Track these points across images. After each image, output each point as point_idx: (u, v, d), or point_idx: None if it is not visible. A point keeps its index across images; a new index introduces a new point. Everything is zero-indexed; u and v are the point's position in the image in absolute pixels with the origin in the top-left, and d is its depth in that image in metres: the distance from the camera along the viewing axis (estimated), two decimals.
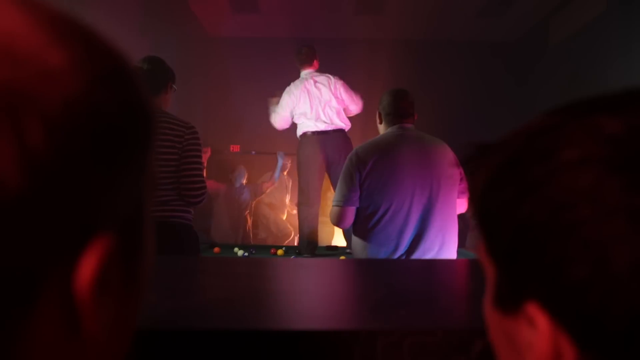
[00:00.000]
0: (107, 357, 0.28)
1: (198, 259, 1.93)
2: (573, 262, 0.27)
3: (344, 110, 3.56)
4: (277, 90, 3.74)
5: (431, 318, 0.68)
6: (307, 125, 3.53)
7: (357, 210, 2.02)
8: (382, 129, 2.18)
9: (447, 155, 2.04)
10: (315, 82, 3.54)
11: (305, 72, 3.65)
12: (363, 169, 1.98)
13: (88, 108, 0.25)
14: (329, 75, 3.57)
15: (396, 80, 3.33)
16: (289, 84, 3.65)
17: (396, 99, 2.12)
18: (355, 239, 2.08)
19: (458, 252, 2.21)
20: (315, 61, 3.66)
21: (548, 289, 0.28)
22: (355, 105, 3.56)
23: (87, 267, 0.25)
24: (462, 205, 2.11)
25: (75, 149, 0.24)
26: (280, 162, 4.90)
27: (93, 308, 0.25)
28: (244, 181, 4.86)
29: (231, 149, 6.07)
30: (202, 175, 2.09)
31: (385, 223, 1.96)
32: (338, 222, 2.06)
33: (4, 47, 0.23)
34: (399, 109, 2.10)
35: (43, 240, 0.23)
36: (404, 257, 1.95)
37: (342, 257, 3.00)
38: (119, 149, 0.26)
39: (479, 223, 0.34)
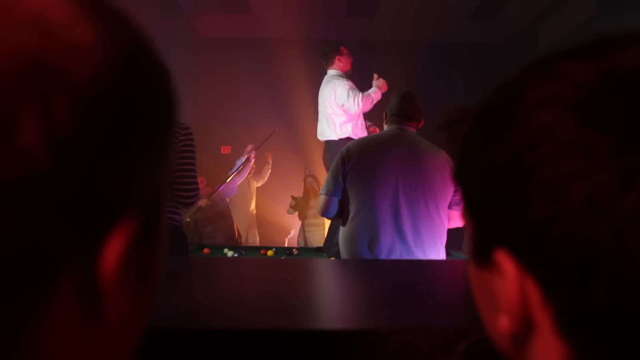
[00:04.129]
0: (123, 345, 0.28)
1: (187, 258, 1.91)
2: (533, 203, 0.27)
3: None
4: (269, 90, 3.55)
5: (416, 318, 0.67)
6: None
7: (341, 202, 2.04)
8: (385, 129, 2.19)
9: (442, 164, 2.01)
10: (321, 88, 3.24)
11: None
12: (348, 163, 2.00)
13: (116, 86, 0.24)
14: (336, 78, 3.18)
15: (387, 82, 3.31)
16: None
17: (403, 101, 2.12)
18: (340, 230, 2.10)
19: (453, 256, 2.19)
20: (334, 61, 3.22)
21: (512, 233, 0.28)
22: (350, 107, 3.15)
23: (114, 250, 0.24)
24: (457, 219, 2.07)
25: (102, 126, 0.23)
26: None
27: (115, 293, 0.24)
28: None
29: (222, 150, 6.04)
30: (195, 177, 2.02)
31: (364, 218, 1.96)
32: (321, 210, 2.10)
33: (33, 17, 0.22)
34: (403, 111, 2.11)
35: (66, 219, 0.22)
36: (382, 257, 1.94)
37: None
38: (145, 130, 0.26)
39: (457, 181, 0.35)
